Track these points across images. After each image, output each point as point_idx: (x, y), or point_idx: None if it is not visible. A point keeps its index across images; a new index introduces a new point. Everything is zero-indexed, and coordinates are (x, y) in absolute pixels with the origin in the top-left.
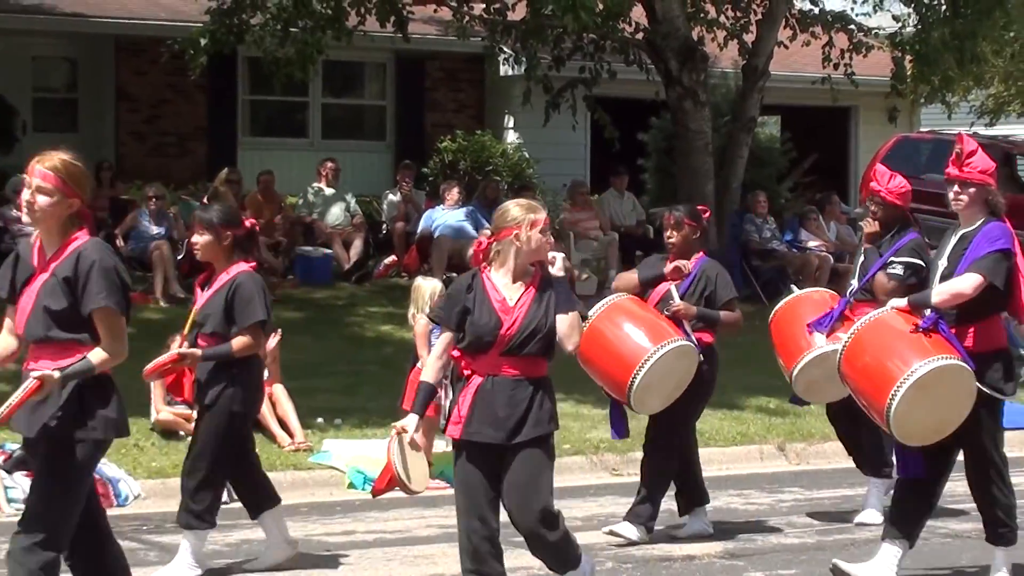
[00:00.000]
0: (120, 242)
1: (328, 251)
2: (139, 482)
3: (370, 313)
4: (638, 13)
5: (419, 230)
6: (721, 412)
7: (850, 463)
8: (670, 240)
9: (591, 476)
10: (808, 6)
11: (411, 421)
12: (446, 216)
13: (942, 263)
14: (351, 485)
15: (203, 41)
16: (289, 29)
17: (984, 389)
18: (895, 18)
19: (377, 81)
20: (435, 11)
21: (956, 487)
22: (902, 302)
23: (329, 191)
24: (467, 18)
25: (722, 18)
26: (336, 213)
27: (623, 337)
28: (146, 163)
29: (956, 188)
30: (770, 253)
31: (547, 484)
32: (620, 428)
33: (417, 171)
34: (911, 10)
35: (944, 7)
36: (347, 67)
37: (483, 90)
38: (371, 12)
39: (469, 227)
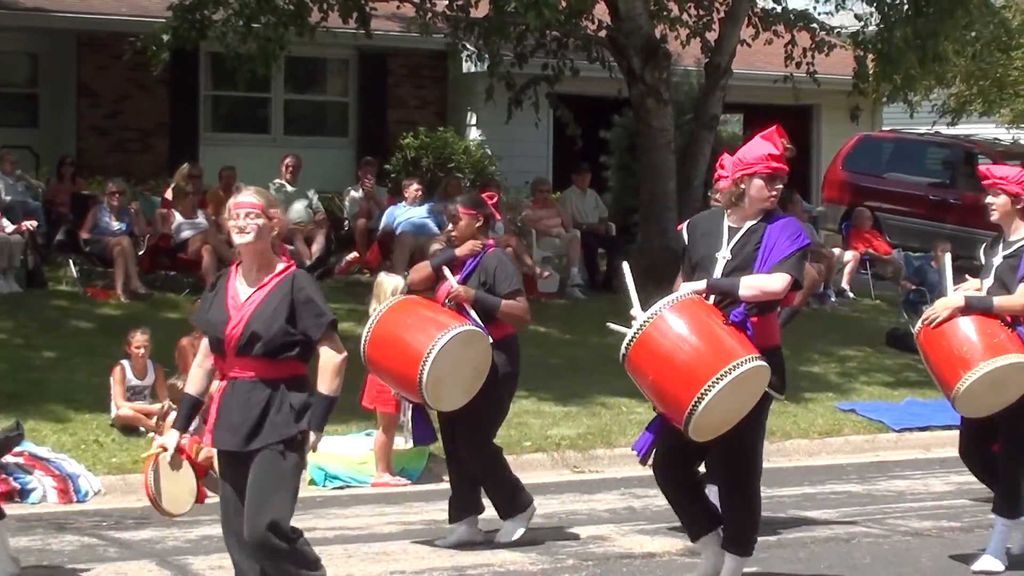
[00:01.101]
0: (86, 235)
1: (289, 247)
2: (99, 478)
3: (331, 310)
4: (601, 10)
5: (381, 227)
6: None
7: (812, 461)
8: (452, 234)
9: (552, 473)
10: (771, 5)
11: (171, 438)
12: (408, 213)
13: (723, 255)
14: (312, 482)
15: (165, 37)
16: (251, 25)
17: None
18: (857, 17)
19: (339, 77)
20: (398, 7)
21: (916, 484)
22: (701, 285)
23: (291, 187)
24: (430, 15)
25: (685, 16)
26: (298, 209)
27: (405, 335)
28: (107, 158)
29: (780, 186)
30: None
31: (281, 496)
32: (424, 433)
33: (379, 167)
34: (873, 9)
35: (906, 6)
36: (309, 63)
37: (446, 87)
38: (334, 8)
39: (431, 224)
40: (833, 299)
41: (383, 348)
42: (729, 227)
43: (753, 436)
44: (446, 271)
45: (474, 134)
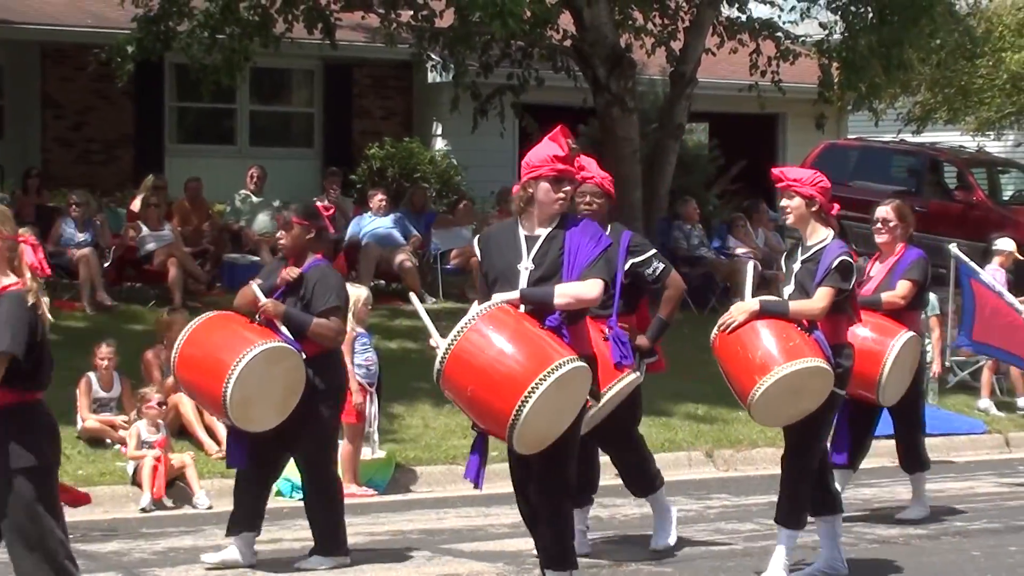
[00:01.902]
0: (51, 247)
1: (255, 258)
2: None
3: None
4: (566, 20)
5: (347, 237)
6: (649, 419)
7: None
8: (281, 242)
9: None
10: (735, 14)
11: None
12: (374, 223)
13: (525, 265)
14: (279, 493)
15: (130, 48)
16: (216, 36)
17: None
18: (822, 26)
19: (305, 88)
20: (363, 18)
21: (882, 492)
22: (513, 295)
23: (256, 198)
24: (395, 25)
25: (650, 25)
26: (263, 220)
27: (213, 353)
28: (72, 170)
29: (567, 188)
30: (698, 260)
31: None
32: (234, 456)
33: (345, 178)
34: (838, 18)
35: (871, 15)
36: (275, 74)
37: (411, 97)
38: (298, 19)
39: (397, 234)
40: None
41: (191, 367)
42: (525, 236)
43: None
44: (253, 286)
45: (440, 144)
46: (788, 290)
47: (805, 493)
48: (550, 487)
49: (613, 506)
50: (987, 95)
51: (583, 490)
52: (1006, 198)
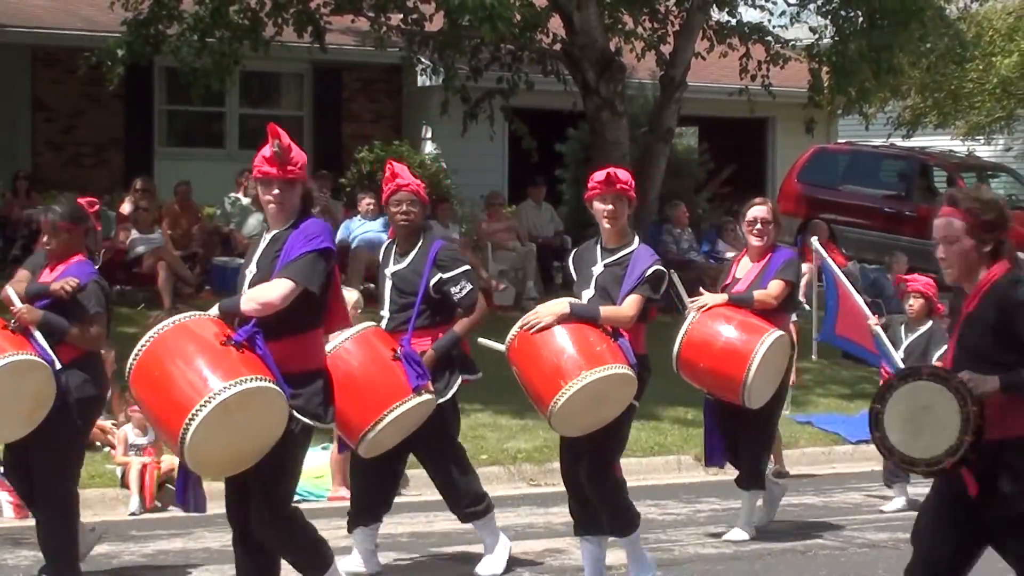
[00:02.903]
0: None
1: (242, 261)
2: None
3: None
4: (556, 24)
5: (336, 241)
6: (639, 422)
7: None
8: (48, 247)
9: (508, 487)
10: (725, 18)
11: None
12: (364, 227)
13: (251, 269)
14: None
15: (120, 52)
16: (206, 40)
17: (301, 417)
18: (812, 30)
19: (294, 91)
20: (352, 21)
21: (872, 497)
22: (214, 311)
23: (246, 201)
24: (384, 28)
25: (639, 29)
26: (253, 223)
27: None
28: (62, 173)
29: (276, 191)
30: (688, 264)
31: None
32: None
33: (335, 182)
34: (828, 22)
35: (861, 19)
36: (264, 77)
37: (401, 100)
38: (288, 22)
39: (386, 238)
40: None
41: None
42: (264, 238)
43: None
44: (8, 290)
45: (429, 148)
46: (587, 294)
47: (626, 499)
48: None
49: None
50: (977, 99)
51: (376, 507)
52: None
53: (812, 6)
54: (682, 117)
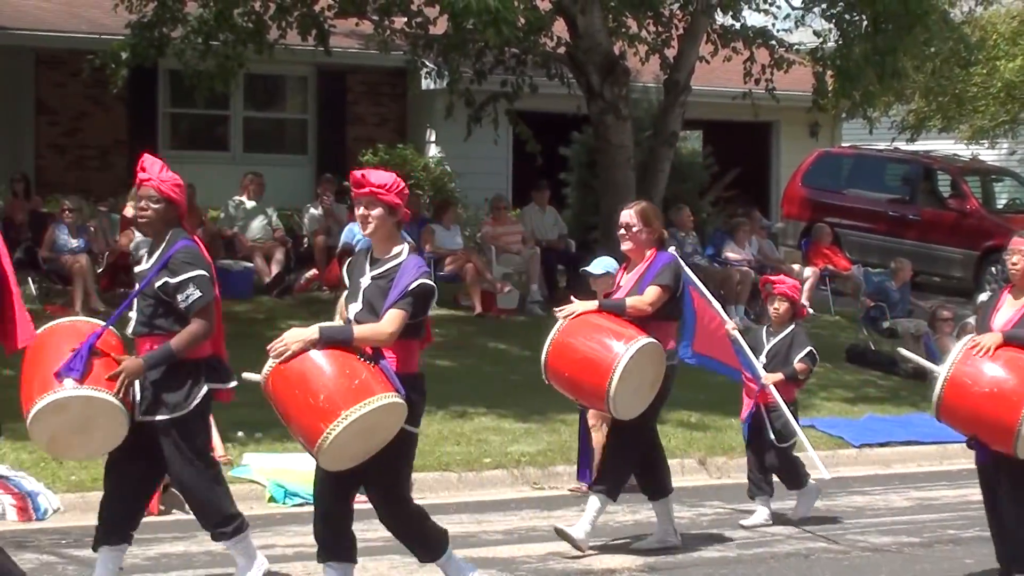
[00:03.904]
0: (44, 253)
1: (249, 264)
2: (58, 496)
3: (291, 327)
4: (560, 27)
5: (340, 244)
6: None
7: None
8: None
9: (512, 490)
10: (730, 22)
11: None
12: None
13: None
14: (272, 499)
15: (124, 54)
16: (210, 43)
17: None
18: (816, 34)
19: (299, 94)
20: (356, 25)
21: (875, 500)
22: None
23: (250, 204)
24: (389, 32)
25: (644, 33)
26: (257, 227)
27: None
28: (66, 176)
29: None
30: (692, 268)
31: None
32: None
33: (338, 185)
34: (832, 26)
35: (865, 23)
36: (268, 80)
37: (405, 104)
38: (292, 26)
39: None
40: None
41: None
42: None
43: None
44: None
45: (433, 151)
46: (355, 307)
47: (428, 525)
48: None
49: (606, 512)
50: (981, 103)
51: (120, 529)
52: (1000, 206)
53: (816, 10)
54: (686, 121)
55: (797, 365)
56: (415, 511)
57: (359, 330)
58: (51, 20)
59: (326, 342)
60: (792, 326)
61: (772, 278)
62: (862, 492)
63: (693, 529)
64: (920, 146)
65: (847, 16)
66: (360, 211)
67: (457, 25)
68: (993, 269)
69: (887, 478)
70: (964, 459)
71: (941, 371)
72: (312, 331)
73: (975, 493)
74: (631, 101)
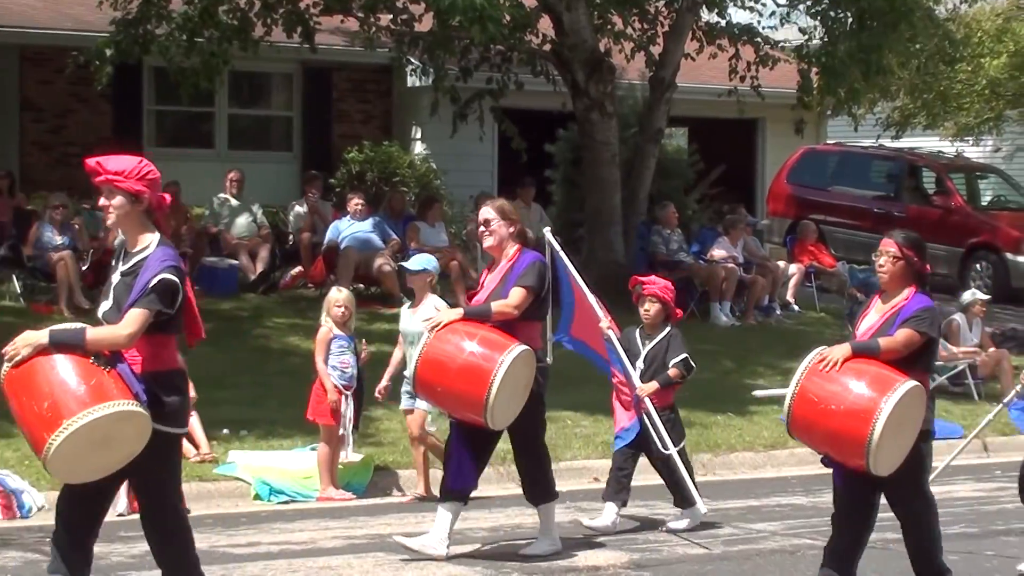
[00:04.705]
0: (29, 250)
1: (234, 262)
2: (42, 494)
3: (276, 324)
4: (545, 25)
5: (326, 241)
6: None
7: (757, 474)
8: None
9: (498, 487)
10: (715, 19)
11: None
12: (353, 227)
13: None
14: (257, 496)
15: (108, 51)
16: (195, 39)
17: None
18: (802, 31)
19: (284, 92)
20: (342, 22)
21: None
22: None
23: (235, 202)
24: (374, 29)
25: (629, 30)
26: (242, 224)
27: None
28: (51, 173)
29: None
30: (677, 265)
31: None
32: None
33: (324, 182)
34: (817, 23)
35: (850, 20)
36: (253, 77)
37: (390, 101)
38: (277, 23)
39: (376, 238)
40: (778, 312)
41: None
42: None
43: None
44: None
45: (419, 148)
46: (105, 305)
47: (189, 548)
48: None
49: (592, 509)
50: (966, 101)
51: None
52: (984, 203)
53: (802, 7)
54: (672, 118)
55: (671, 372)
56: (181, 526)
57: (93, 333)
58: (36, 17)
59: (56, 346)
60: (668, 329)
61: (642, 279)
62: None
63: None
64: (905, 143)
65: (832, 13)
66: (101, 201)
67: (442, 22)
68: (978, 266)
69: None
70: (948, 455)
71: (789, 387)
72: (42, 335)
73: (959, 489)
74: (616, 98)
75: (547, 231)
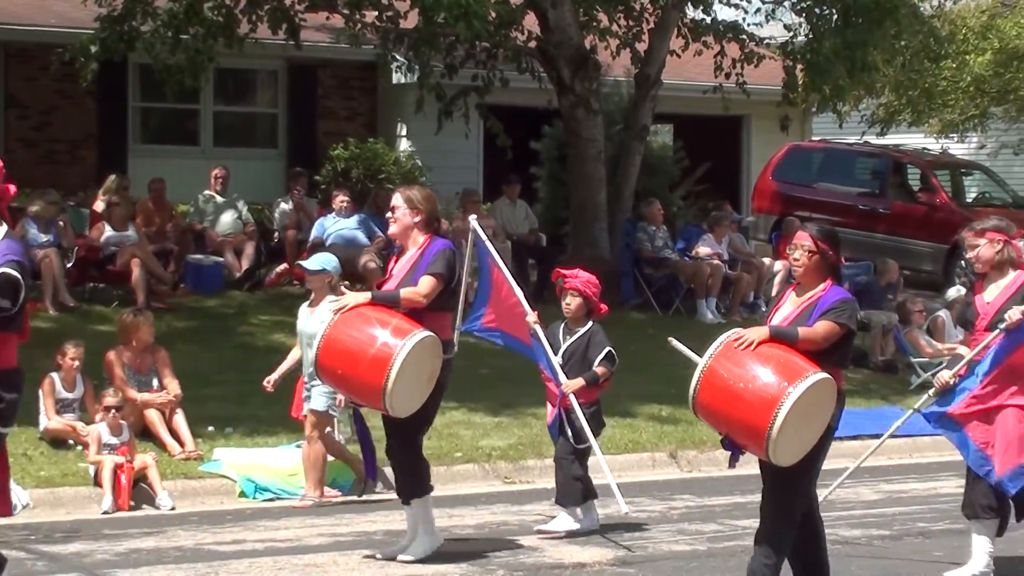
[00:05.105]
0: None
1: (219, 259)
2: (28, 491)
3: (261, 322)
4: (531, 21)
5: (311, 238)
6: (614, 420)
7: (742, 470)
8: None
9: (483, 484)
10: (700, 16)
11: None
12: (338, 224)
13: None
14: (242, 494)
15: (93, 48)
16: (180, 37)
17: None
18: (787, 28)
19: (269, 89)
20: (327, 18)
21: (846, 493)
22: None
23: (220, 199)
24: (359, 26)
25: (614, 27)
26: (227, 221)
27: None
28: (36, 170)
29: None
30: (662, 261)
31: None
32: None
33: (309, 179)
34: (803, 20)
35: (835, 17)
36: (239, 74)
37: (375, 98)
38: (263, 19)
39: (361, 236)
40: (763, 308)
41: None
42: None
43: None
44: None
45: (404, 145)
46: None
47: None
48: None
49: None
50: (951, 98)
51: None
52: (969, 200)
53: (787, 4)
54: (657, 115)
55: (597, 369)
56: None
57: None
58: (20, 13)
59: None
60: (589, 324)
61: (564, 272)
62: (831, 486)
63: (664, 523)
64: (890, 140)
65: (817, 10)
66: None
67: (428, 19)
68: (963, 263)
69: (857, 471)
70: (934, 453)
71: (699, 363)
72: None
73: (945, 486)
74: (602, 95)
75: (472, 219)
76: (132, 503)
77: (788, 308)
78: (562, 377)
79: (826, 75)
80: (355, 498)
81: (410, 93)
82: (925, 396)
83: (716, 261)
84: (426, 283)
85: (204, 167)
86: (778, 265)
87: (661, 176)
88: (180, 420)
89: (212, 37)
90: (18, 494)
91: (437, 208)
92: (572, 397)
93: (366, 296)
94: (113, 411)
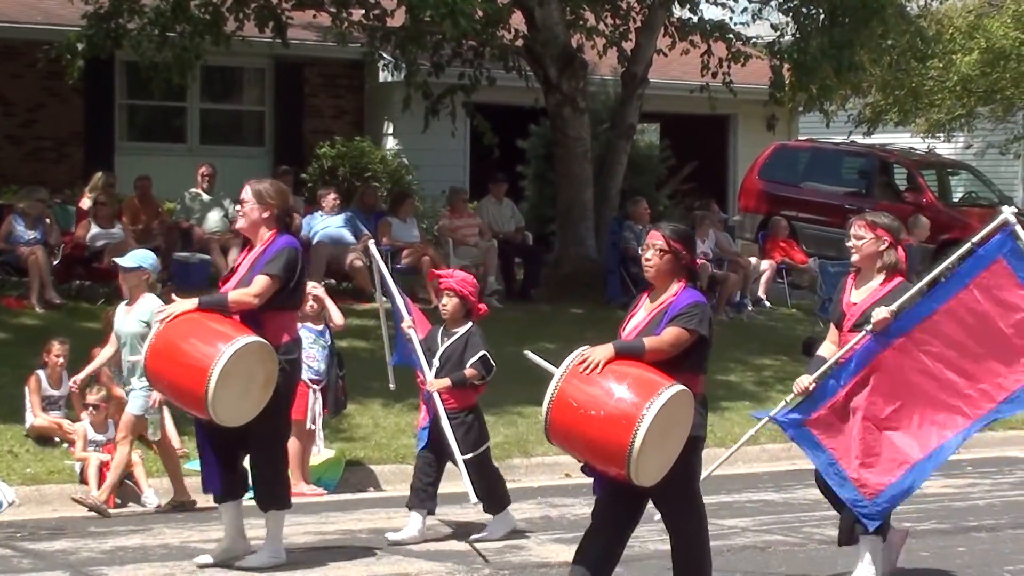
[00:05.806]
0: (0, 244)
1: (205, 257)
2: (13, 488)
3: None
4: (517, 20)
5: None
6: None
7: (729, 469)
8: None
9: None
10: (687, 15)
11: None
12: (325, 222)
13: None
14: None
15: (80, 45)
16: (167, 34)
17: None
18: (773, 27)
19: (256, 86)
20: (314, 17)
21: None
22: None
23: (207, 196)
24: (346, 24)
25: (601, 26)
26: (214, 219)
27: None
28: (22, 167)
29: None
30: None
31: None
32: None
33: (296, 177)
34: (789, 19)
35: (822, 16)
36: (226, 72)
37: (362, 96)
38: (250, 17)
39: (347, 234)
40: (750, 308)
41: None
42: None
43: None
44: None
45: (391, 143)
46: None
47: None
48: None
49: (563, 505)
50: (937, 97)
51: None
52: (956, 200)
53: (774, 3)
54: (644, 114)
55: (467, 371)
56: None
57: None
58: (6, 11)
59: None
60: (468, 325)
61: (439, 272)
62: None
63: (649, 522)
64: (877, 140)
65: (804, 10)
66: None
67: (415, 17)
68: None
69: None
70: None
71: (548, 391)
72: None
73: (931, 486)
74: (588, 94)
75: (371, 243)
76: (118, 501)
77: (641, 314)
78: (429, 376)
79: (813, 74)
80: (340, 497)
81: (397, 91)
82: (783, 402)
83: (702, 260)
84: (258, 283)
85: (191, 165)
86: (764, 264)
87: (648, 175)
88: (166, 418)
89: (199, 35)
90: (4, 492)
91: (289, 203)
92: (438, 401)
93: (193, 303)
94: (91, 409)
